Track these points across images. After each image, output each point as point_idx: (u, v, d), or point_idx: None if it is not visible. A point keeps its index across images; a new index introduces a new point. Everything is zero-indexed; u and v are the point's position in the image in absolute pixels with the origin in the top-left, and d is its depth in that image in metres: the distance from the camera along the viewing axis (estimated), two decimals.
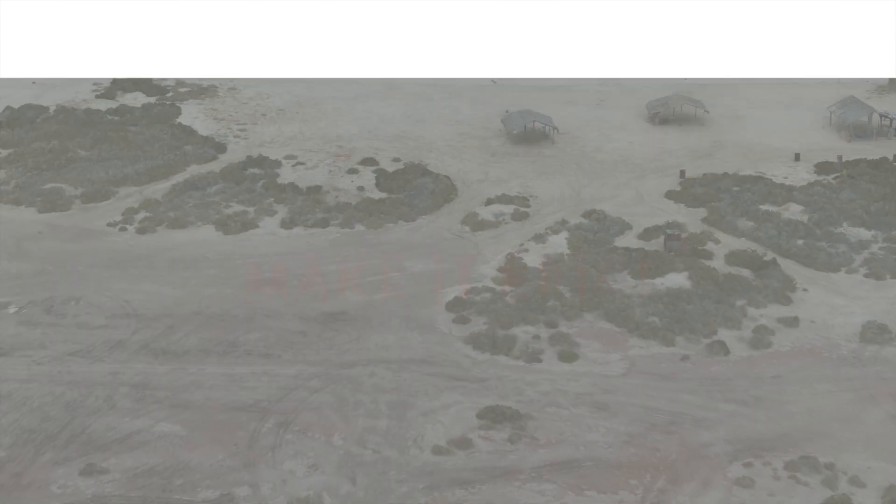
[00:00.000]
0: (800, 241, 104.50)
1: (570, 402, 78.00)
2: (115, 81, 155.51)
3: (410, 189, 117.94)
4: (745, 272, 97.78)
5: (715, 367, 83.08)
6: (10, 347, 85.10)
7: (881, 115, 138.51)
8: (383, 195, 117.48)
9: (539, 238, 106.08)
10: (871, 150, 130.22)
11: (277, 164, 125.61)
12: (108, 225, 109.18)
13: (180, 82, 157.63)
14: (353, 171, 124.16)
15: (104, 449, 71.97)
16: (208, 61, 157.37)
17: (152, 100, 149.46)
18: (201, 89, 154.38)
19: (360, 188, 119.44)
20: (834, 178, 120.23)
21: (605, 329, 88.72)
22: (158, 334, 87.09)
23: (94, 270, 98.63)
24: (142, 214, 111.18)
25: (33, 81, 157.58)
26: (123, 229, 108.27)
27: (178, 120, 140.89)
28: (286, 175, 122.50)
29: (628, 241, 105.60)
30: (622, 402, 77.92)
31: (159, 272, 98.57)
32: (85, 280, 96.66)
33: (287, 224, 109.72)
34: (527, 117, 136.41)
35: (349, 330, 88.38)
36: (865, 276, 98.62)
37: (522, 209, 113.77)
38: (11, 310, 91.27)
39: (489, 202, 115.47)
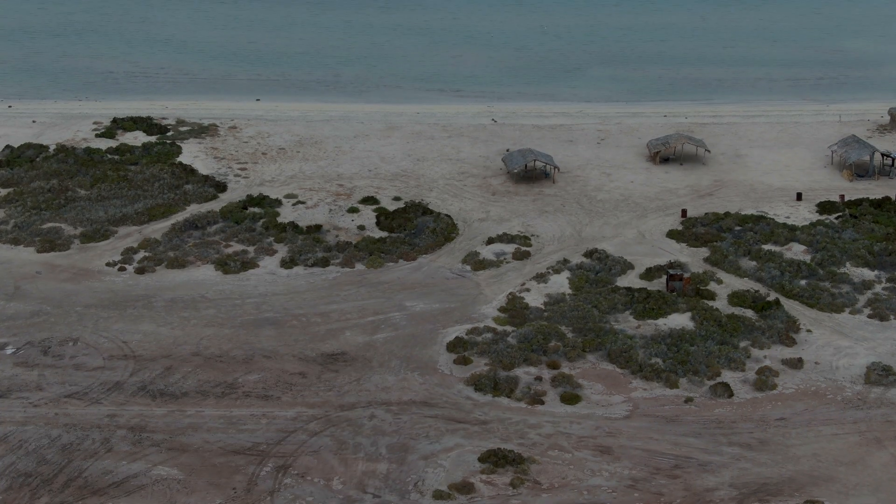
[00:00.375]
0: (803, 282, 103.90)
1: (573, 445, 77.15)
2: (115, 120, 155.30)
3: (411, 228, 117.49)
4: (749, 313, 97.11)
5: (719, 410, 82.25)
6: (7, 389, 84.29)
7: (883, 155, 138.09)
8: (384, 234, 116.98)
9: (541, 278, 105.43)
10: (873, 190, 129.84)
11: (278, 203, 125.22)
12: (107, 265, 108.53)
13: (181, 121, 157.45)
14: (353, 210, 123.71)
15: (101, 493, 71.07)
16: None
17: (153, 139, 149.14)
18: (202, 128, 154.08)
19: (361, 227, 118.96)
20: (836, 218, 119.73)
21: (608, 370, 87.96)
22: (156, 376, 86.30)
23: (92, 311, 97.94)
24: (141, 254, 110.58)
25: (34, 120, 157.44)
26: (122, 269, 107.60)
27: (179, 159, 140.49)
28: (286, 214, 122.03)
29: (630, 280, 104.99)
30: (625, 446, 77.06)
31: (158, 312, 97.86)
32: (83, 321, 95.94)
33: (287, 263, 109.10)
34: (527, 156, 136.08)
35: (349, 371, 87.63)
36: (869, 316, 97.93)
37: (524, 248, 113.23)
38: (9, 351, 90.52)
39: (490, 241, 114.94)
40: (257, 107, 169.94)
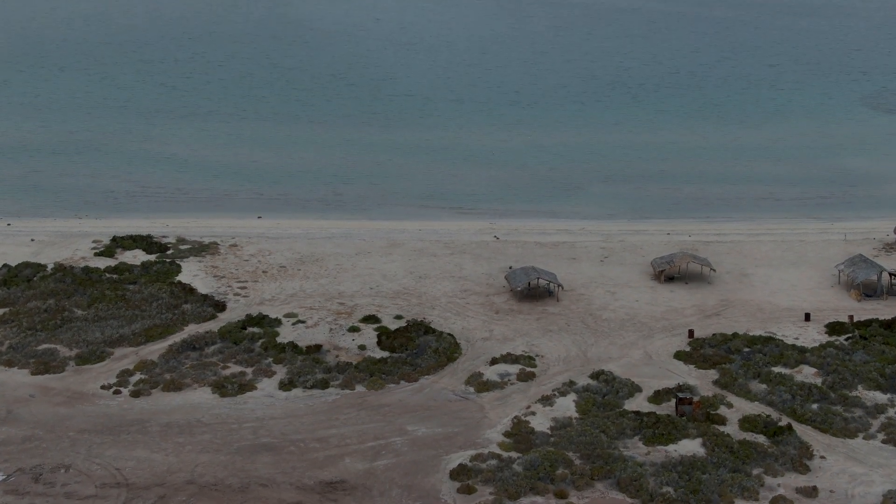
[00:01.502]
0: (814, 406, 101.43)
1: None
2: (114, 239, 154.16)
3: (413, 348, 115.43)
4: (761, 438, 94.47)
5: None
6: None
7: (891, 274, 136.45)
8: (385, 354, 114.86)
9: (546, 400, 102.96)
10: (882, 310, 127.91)
11: (277, 322, 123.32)
12: (102, 388, 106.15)
13: (181, 239, 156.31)
14: (354, 329, 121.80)
15: None
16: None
17: (152, 257, 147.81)
18: (202, 246, 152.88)
19: (362, 347, 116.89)
20: (846, 339, 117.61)
21: (618, 500, 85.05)
22: None
23: (85, 436, 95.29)
24: (137, 377, 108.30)
25: (32, 238, 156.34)
26: (117, 392, 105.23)
27: (178, 278, 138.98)
28: (286, 334, 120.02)
29: (638, 403, 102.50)
30: None
31: (152, 438, 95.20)
32: (75, 446, 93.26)
33: (285, 385, 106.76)
34: (531, 274, 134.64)
35: (348, 500, 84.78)
36: (884, 441, 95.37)
37: (528, 369, 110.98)
38: None
39: (494, 361, 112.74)
40: (258, 224, 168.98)
